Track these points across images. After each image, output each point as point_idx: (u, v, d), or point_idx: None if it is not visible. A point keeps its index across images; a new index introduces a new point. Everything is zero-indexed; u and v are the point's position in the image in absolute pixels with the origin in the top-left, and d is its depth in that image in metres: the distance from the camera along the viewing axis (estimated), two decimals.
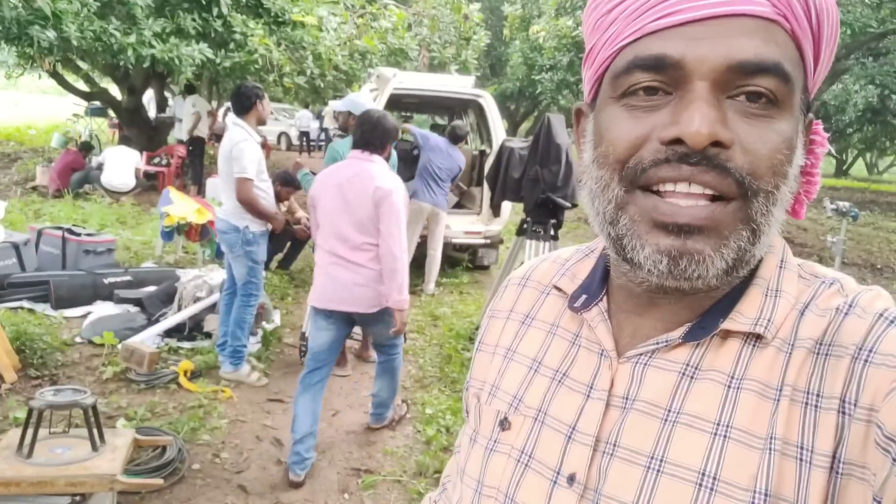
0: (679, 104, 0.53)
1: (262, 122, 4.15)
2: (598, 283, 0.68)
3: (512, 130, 22.05)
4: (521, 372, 0.70)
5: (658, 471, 0.55)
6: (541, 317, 0.73)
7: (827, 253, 6.01)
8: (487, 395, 0.72)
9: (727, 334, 0.58)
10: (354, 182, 3.07)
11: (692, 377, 0.58)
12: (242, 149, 3.91)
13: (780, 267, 0.61)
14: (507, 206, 6.50)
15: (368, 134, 3.14)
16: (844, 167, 31.56)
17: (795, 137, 0.55)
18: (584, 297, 0.68)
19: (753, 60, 0.52)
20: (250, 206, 3.95)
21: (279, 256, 6.70)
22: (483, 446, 0.68)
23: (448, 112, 10.92)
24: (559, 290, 0.72)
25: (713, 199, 0.53)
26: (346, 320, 3.25)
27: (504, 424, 0.67)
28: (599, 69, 0.59)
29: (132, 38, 7.38)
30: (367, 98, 4.17)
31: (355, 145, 3.18)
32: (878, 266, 9.69)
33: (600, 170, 0.58)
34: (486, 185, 6.28)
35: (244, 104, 4.02)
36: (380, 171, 3.11)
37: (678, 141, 0.52)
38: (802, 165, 0.59)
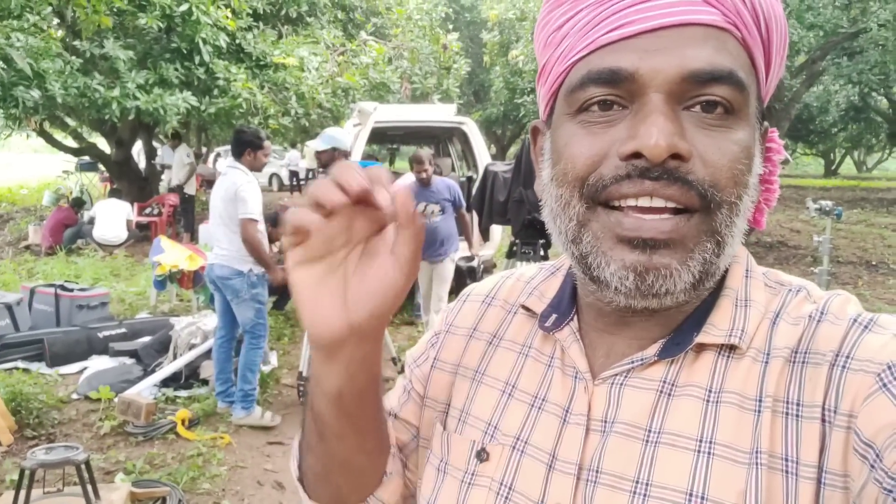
0: (636, 118, 0.52)
1: (255, 168, 4.16)
2: (568, 302, 0.66)
3: (500, 154, 22.18)
4: (493, 396, 0.66)
5: (644, 495, 0.53)
6: (509, 337, 0.70)
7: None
8: (457, 421, 0.68)
9: (701, 348, 0.57)
10: None
11: (670, 394, 0.56)
12: (248, 190, 3.97)
13: (746, 276, 0.61)
14: (496, 229, 6.51)
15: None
16: (833, 167, 31.72)
17: (753, 146, 0.55)
18: (554, 316, 0.65)
19: (707, 69, 0.51)
20: (254, 247, 3.96)
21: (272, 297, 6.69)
22: (458, 479, 0.64)
23: (433, 141, 11.01)
24: (527, 309, 0.69)
25: (676, 212, 0.52)
26: None
27: (482, 455, 0.63)
28: (553, 86, 0.59)
29: (116, 92, 7.47)
30: (346, 133, 4.25)
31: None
32: (874, 262, 9.69)
33: (560, 188, 0.57)
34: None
35: (242, 148, 4.09)
36: None
37: (637, 155, 0.51)
38: (760, 174, 0.58)
